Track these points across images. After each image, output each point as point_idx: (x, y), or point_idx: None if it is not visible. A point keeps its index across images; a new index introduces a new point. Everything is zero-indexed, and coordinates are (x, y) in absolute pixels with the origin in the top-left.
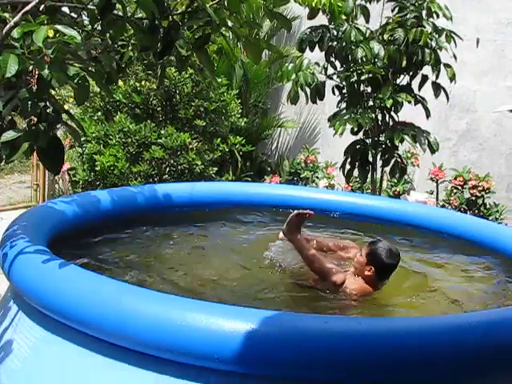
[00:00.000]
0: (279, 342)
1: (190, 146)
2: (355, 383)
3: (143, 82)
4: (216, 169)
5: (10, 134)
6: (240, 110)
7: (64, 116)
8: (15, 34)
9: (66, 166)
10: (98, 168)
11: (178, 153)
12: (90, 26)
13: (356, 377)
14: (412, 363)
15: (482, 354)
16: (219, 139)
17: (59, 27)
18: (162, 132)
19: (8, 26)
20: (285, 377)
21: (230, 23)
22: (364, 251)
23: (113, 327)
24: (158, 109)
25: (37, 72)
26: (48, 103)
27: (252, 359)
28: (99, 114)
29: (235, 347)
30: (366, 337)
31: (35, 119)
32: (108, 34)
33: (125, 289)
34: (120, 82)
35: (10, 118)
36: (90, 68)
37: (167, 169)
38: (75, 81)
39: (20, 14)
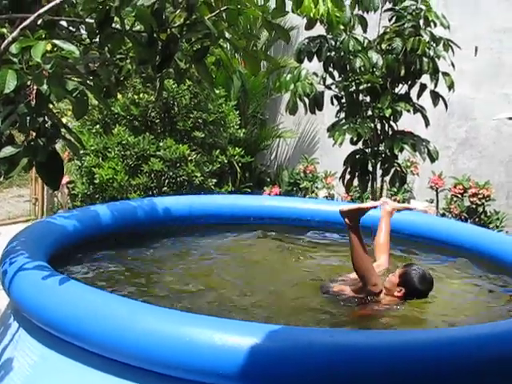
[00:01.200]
0: (282, 357)
1: (189, 158)
2: None
3: (141, 95)
4: (215, 180)
5: (8, 150)
6: (238, 121)
7: (62, 130)
8: (13, 49)
9: (65, 179)
10: (96, 181)
11: (177, 165)
12: (88, 40)
13: None
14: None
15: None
16: (218, 151)
17: (57, 42)
18: (161, 144)
19: (6, 42)
20: None
21: (228, 35)
22: (398, 272)
23: (113, 343)
24: (157, 121)
25: (35, 87)
26: (46, 118)
27: (255, 375)
28: (97, 126)
29: (239, 362)
30: (373, 350)
31: (34, 134)
32: (106, 48)
33: (125, 304)
34: (118, 95)
35: (8, 133)
36: (88, 82)
37: (166, 181)
38: (74, 95)
39: (18, 29)
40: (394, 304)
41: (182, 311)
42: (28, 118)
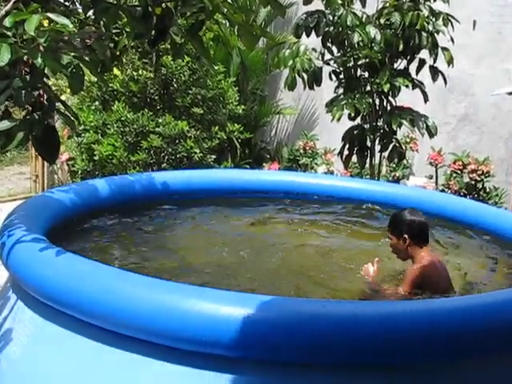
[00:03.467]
0: (277, 327)
1: (188, 134)
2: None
3: (140, 71)
4: (214, 157)
5: (4, 124)
6: (238, 98)
7: (58, 105)
8: (7, 22)
9: (65, 156)
10: (96, 158)
11: (176, 141)
12: (83, 15)
13: (359, 359)
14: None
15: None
16: (217, 127)
17: (51, 15)
18: (160, 120)
19: (0, 15)
20: (283, 361)
21: (224, 9)
22: (388, 234)
23: (110, 314)
24: (156, 97)
25: (30, 61)
26: (42, 92)
27: (250, 344)
28: (97, 103)
29: (234, 332)
30: (363, 320)
31: (30, 108)
32: (102, 22)
33: (122, 276)
34: (117, 71)
35: (4, 107)
36: (84, 56)
37: (166, 157)
38: (69, 70)
39: (12, 2)
40: None
41: (178, 282)
42: (23, 91)
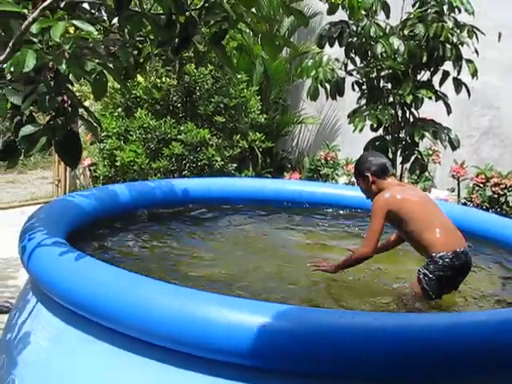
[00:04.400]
0: (292, 337)
1: (210, 142)
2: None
3: (163, 78)
4: (236, 165)
5: (28, 129)
6: (260, 107)
7: (81, 111)
8: (34, 29)
9: (88, 161)
10: (118, 163)
11: (198, 149)
12: (108, 22)
13: (374, 372)
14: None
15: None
16: (239, 135)
17: (76, 22)
18: (182, 128)
19: (27, 22)
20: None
21: (247, 19)
22: (356, 181)
23: (129, 319)
24: (178, 105)
25: (55, 67)
26: (66, 98)
27: (269, 354)
28: (120, 110)
29: (253, 341)
30: (381, 332)
31: (53, 114)
32: (126, 30)
33: (142, 281)
34: (140, 78)
35: (29, 112)
36: (107, 63)
37: (187, 165)
38: (93, 76)
39: (39, 9)
40: None
41: (197, 290)
42: (47, 97)
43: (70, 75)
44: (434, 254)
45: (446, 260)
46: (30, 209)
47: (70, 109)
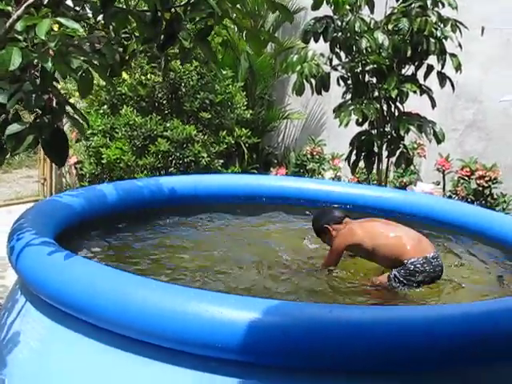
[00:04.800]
0: (282, 332)
1: (196, 139)
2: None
3: (149, 75)
4: (222, 161)
5: (14, 127)
6: (246, 102)
7: (68, 108)
8: (18, 27)
9: (73, 159)
10: (104, 161)
11: (184, 145)
12: (93, 19)
13: (363, 366)
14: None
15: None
16: (225, 131)
17: (61, 20)
18: (168, 125)
19: (11, 20)
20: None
21: (232, 14)
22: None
23: (118, 317)
24: (164, 102)
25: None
26: (52, 96)
27: (256, 348)
28: (105, 107)
29: (239, 336)
30: (370, 326)
31: (40, 112)
32: (111, 27)
33: (130, 279)
34: (125, 75)
35: (14, 111)
36: (93, 60)
37: (173, 161)
38: (79, 74)
39: (23, 7)
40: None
41: (184, 286)
42: (33, 95)
43: (56, 73)
44: (405, 261)
45: (418, 266)
46: (17, 208)
47: (56, 107)
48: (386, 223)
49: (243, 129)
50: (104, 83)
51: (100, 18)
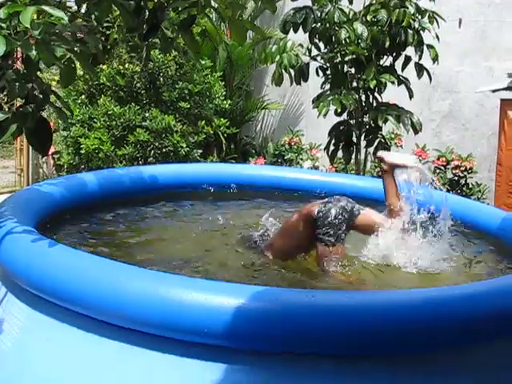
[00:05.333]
0: (268, 317)
1: (175, 129)
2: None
3: (127, 65)
4: (201, 151)
5: None
6: (224, 92)
7: (51, 97)
8: (1, 14)
9: (51, 149)
10: (82, 151)
11: (163, 135)
12: (74, 8)
13: (347, 350)
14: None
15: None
16: (203, 121)
17: (46, 8)
18: (147, 115)
19: None
20: (273, 352)
21: (214, 4)
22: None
23: (101, 305)
24: (142, 91)
25: (21, 53)
26: (35, 84)
27: (240, 334)
28: (83, 97)
29: (224, 322)
30: (355, 311)
31: (23, 101)
32: (93, 16)
33: (112, 266)
34: (103, 65)
35: None
36: (75, 49)
37: (152, 151)
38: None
39: None
40: None
41: (168, 273)
42: (17, 84)
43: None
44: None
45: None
46: None
47: (40, 95)
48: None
49: (222, 119)
50: (82, 73)
51: (83, 6)
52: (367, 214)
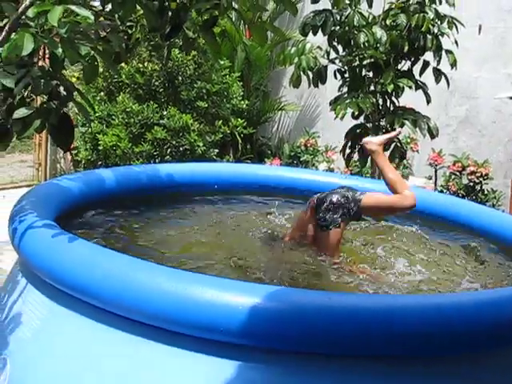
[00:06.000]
0: (284, 317)
1: (192, 128)
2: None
3: (146, 63)
4: (217, 150)
5: (22, 111)
6: (242, 93)
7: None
8: (30, 13)
9: None
10: (100, 148)
11: (180, 134)
12: (98, 6)
13: (359, 351)
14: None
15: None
16: (221, 121)
17: (73, 7)
18: (165, 113)
19: (23, 6)
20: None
21: (236, 6)
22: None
23: (119, 300)
24: (161, 90)
25: (48, 51)
26: (59, 82)
27: (256, 333)
28: (102, 94)
29: (240, 321)
30: (369, 312)
31: (47, 97)
32: (117, 15)
33: (131, 262)
34: (123, 63)
35: (20, 95)
36: (99, 47)
37: (169, 150)
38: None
39: None
40: None
41: (184, 270)
42: (42, 81)
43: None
44: None
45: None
46: (11, 192)
47: (64, 92)
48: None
49: (239, 119)
50: (101, 70)
51: (108, 6)
52: (371, 195)
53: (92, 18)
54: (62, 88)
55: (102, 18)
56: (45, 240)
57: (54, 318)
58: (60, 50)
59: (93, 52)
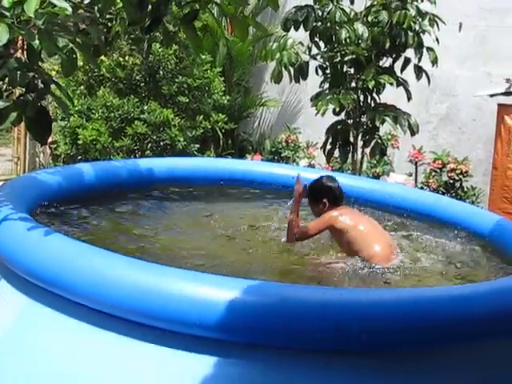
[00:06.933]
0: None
1: (173, 123)
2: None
3: (127, 57)
4: (198, 146)
5: None
6: (223, 88)
7: (52, 86)
8: (5, 3)
9: (48, 139)
10: (80, 142)
11: (161, 129)
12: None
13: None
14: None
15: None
16: (202, 116)
17: None
18: (145, 107)
19: None
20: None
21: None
22: (308, 200)
23: (94, 293)
24: (142, 84)
25: (23, 43)
26: (36, 74)
27: (234, 327)
28: (82, 87)
29: (219, 315)
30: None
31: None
32: (96, 8)
33: (106, 256)
34: (103, 57)
35: None
36: (77, 40)
37: (149, 144)
38: (64, 52)
39: None
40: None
41: (163, 265)
42: (18, 73)
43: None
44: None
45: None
46: None
47: (41, 85)
48: (371, 223)
49: (220, 114)
50: (81, 63)
51: None
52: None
53: (70, 9)
54: (39, 81)
55: (81, 10)
56: (17, 232)
57: (27, 312)
58: (37, 41)
59: (71, 44)
